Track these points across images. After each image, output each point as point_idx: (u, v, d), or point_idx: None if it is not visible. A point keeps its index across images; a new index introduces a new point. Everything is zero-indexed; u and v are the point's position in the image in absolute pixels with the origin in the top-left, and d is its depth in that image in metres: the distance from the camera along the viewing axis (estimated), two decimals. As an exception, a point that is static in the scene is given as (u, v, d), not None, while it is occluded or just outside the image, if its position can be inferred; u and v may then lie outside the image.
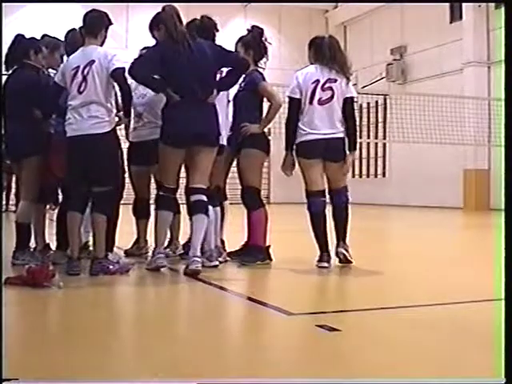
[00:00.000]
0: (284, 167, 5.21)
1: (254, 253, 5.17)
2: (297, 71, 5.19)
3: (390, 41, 18.35)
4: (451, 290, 4.16)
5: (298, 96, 5.04)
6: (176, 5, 4.73)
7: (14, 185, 8.70)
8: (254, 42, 5.31)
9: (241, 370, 2.48)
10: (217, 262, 4.95)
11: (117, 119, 4.76)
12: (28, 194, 5.03)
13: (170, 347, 2.74)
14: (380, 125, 18.16)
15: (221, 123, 4.81)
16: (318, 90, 5.01)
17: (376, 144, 18.97)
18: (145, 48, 5.44)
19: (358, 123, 5.41)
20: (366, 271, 4.98)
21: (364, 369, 2.42)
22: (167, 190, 4.81)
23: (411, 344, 2.80)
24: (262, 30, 5.35)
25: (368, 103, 18.65)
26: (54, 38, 5.30)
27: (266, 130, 5.35)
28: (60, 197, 5.38)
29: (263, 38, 5.33)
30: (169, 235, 5.32)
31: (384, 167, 19.02)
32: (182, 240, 5.67)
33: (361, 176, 20.01)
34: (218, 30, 5.08)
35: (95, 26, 4.67)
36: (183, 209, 5.09)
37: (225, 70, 4.92)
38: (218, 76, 4.88)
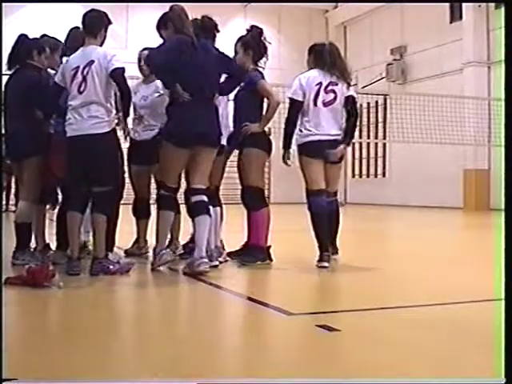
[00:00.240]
0: (283, 162, 5.29)
1: (255, 253, 5.17)
2: (298, 75, 5.25)
3: (389, 41, 18.34)
4: (451, 290, 4.16)
5: (300, 98, 5.10)
6: (176, 5, 4.74)
7: (13, 185, 8.69)
8: (254, 41, 5.31)
9: (241, 370, 2.48)
10: (217, 262, 4.95)
11: (116, 121, 4.75)
12: (29, 195, 5.02)
13: (169, 347, 2.74)
14: (380, 125, 18.15)
15: (220, 123, 4.82)
16: (322, 91, 5.12)
17: (376, 144, 18.98)
18: (145, 48, 5.44)
19: (357, 123, 5.49)
20: (365, 271, 5.00)
21: (364, 369, 2.42)
22: (169, 190, 4.81)
23: (411, 344, 2.81)
24: (261, 29, 5.36)
25: (368, 103, 18.63)
26: (53, 38, 5.29)
27: (266, 129, 5.35)
28: (60, 197, 5.38)
29: (262, 38, 5.34)
30: (169, 235, 5.32)
31: (384, 167, 19.01)
32: (183, 240, 5.68)
33: (361, 176, 20.02)
34: (218, 31, 5.08)
35: (95, 26, 4.67)
36: (183, 209, 5.09)
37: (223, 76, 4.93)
38: None
